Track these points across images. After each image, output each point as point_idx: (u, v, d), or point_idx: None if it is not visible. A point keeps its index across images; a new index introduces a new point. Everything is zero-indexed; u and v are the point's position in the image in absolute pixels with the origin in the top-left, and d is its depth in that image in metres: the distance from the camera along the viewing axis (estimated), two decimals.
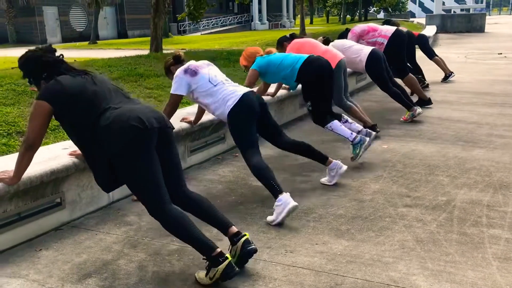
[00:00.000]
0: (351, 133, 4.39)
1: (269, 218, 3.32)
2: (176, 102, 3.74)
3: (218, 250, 2.48)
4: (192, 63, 3.70)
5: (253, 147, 3.53)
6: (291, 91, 5.45)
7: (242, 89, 3.61)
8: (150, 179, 2.51)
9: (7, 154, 3.65)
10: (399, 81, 6.78)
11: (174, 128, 2.77)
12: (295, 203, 3.27)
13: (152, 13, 11.26)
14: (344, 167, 3.94)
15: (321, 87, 4.36)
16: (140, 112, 2.54)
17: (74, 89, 2.61)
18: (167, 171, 2.65)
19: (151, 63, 7.78)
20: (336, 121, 4.44)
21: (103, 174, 2.66)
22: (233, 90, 3.58)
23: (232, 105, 3.50)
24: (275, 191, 3.33)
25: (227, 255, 2.49)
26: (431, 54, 9.15)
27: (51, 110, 2.60)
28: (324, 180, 4.00)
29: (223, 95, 3.56)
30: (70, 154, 3.29)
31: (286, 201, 3.26)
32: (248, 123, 3.54)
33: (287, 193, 3.34)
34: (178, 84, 3.65)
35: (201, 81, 3.60)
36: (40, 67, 2.73)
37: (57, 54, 2.83)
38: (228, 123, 3.65)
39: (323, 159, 3.91)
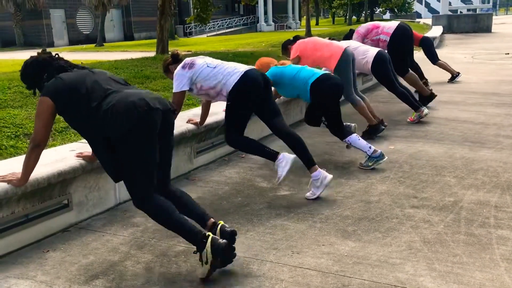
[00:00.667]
0: (370, 147, 4.32)
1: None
2: (180, 100, 3.77)
3: (202, 232, 2.54)
4: (187, 59, 3.79)
5: (239, 129, 3.70)
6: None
7: (244, 66, 3.66)
8: (146, 161, 2.54)
9: (14, 156, 3.68)
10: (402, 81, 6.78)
11: (176, 113, 2.79)
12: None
13: (158, 15, 11.30)
14: (329, 177, 3.69)
15: (331, 104, 4.31)
16: (144, 94, 2.59)
17: (75, 80, 2.66)
18: (161, 157, 2.66)
19: (157, 65, 7.79)
20: (354, 135, 4.39)
21: (109, 163, 2.68)
22: (234, 68, 3.65)
23: (235, 81, 3.56)
24: (271, 156, 3.64)
25: (208, 233, 2.52)
26: (434, 59, 8.99)
27: (54, 106, 2.64)
28: (308, 194, 3.71)
29: (225, 74, 3.63)
30: (77, 156, 3.30)
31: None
32: (250, 102, 3.62)
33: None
34: (179, 81, 3.70)
35: (200, 69, 3.69)
36: (40, 67, 2.80)
37: (53, 54, 2.90)
38: (227, 99, 3.67)
39: (310, 163, 3.74)
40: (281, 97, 5.62)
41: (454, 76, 9.24)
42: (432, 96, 7.06)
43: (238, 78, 3.59)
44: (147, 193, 2.57)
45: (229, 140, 3.77)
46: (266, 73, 4.33)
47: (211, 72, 3.67)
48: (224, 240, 2.51)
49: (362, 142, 4.36)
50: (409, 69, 6.87)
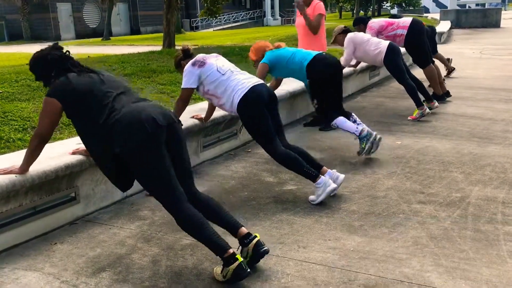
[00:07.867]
0: (357, 127, 4.32)
1: (311, 197, 3.54)
2: (188, 96, 3.76)
3: (231, 251, 2.47)
4: (199, 55, 3.73)
5: (273, 139, 3.53)
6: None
7: (251, 80, 3.60)
8: (161, 176, 2.51)
9: (22, 149, 3.69)
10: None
11: (182, 124, 2.78)
12: (334, 186, 3.47)
13: (164, 9, 11.28)
14: (341, 176, 3.62)
15: (327, 85, 4.32)
16: (151, 111, 2.54)
17: (84, 87, 2.64)
18: (177, 169, 2.61)
19: (164, 59, 7.80)
20: (341, 117, 4.35)
21: (111, 174, 2.68)
22: (242, 82, 3.57)
23: (240, 98, 3.52)
24: (311, 177, 3.49)
25: (238, 255, 2.48)
26: (434, 50, 8.93)
27: (61, 107, 2.65)
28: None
29: (232, 87, 3.57)
30: (73, 153, 3.27)
31: (325, 183, 3.45)
32: (260, 115, 3.51)
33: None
34: (188, 77, 3.67)
35: (209, 70, 3.63)
36: (48, 64, 2.78)
37: (64, 50, 2.87)
38: (240, 118, 3.66)
39: (318, 167, 3.60)
40: (287, 93, 5.62)
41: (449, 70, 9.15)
42: (443, 97, 7.04)
43: (242, 95, 3.51)
44: (172, 201, 2.52)
45: (275, 155, 3.53)
46: (263, 59, 4.40)
47: (220, 78, 3.60)
48: (248, 270, 2.47)
49: (349, 124, 4.34)
50: (430, 62, 6.85)
